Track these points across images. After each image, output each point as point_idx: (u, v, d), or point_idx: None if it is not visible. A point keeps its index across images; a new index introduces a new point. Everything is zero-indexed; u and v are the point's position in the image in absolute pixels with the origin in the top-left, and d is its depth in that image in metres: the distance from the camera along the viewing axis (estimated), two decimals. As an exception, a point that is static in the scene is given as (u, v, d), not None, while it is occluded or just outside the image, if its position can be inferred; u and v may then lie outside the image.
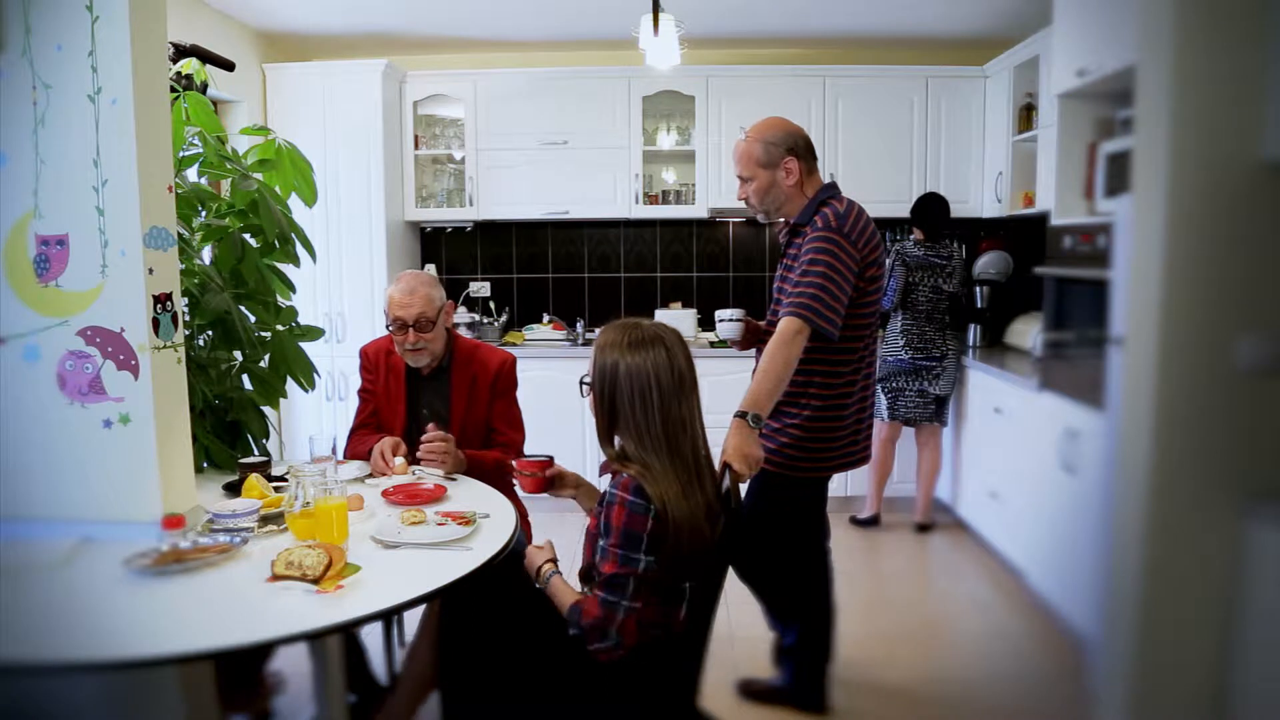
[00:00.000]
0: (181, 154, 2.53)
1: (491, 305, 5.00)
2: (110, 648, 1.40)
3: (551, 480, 2.06)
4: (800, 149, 2.41)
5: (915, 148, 4.59)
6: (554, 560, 1.88)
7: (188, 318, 2.36)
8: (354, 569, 1.69)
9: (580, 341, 4.74)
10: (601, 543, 1.69)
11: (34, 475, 1.90)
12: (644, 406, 1.66)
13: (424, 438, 2.36)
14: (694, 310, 4.82)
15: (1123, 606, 1.91)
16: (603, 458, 1.80)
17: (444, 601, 1.89)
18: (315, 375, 2.73)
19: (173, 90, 2.35)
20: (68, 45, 1.81)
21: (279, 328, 2.65)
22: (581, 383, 1.79)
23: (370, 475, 2.40)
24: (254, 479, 2.13)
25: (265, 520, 1.97)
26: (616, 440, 1.75)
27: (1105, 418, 2.50)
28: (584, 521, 1.88)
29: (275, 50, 4.67)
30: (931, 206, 4.13)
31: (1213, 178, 1.76)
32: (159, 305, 1.90)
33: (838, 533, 2.66)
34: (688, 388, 1.70)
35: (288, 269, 2.76)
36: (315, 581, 1.61)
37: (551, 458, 2.09)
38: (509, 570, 2.03)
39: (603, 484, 1.80)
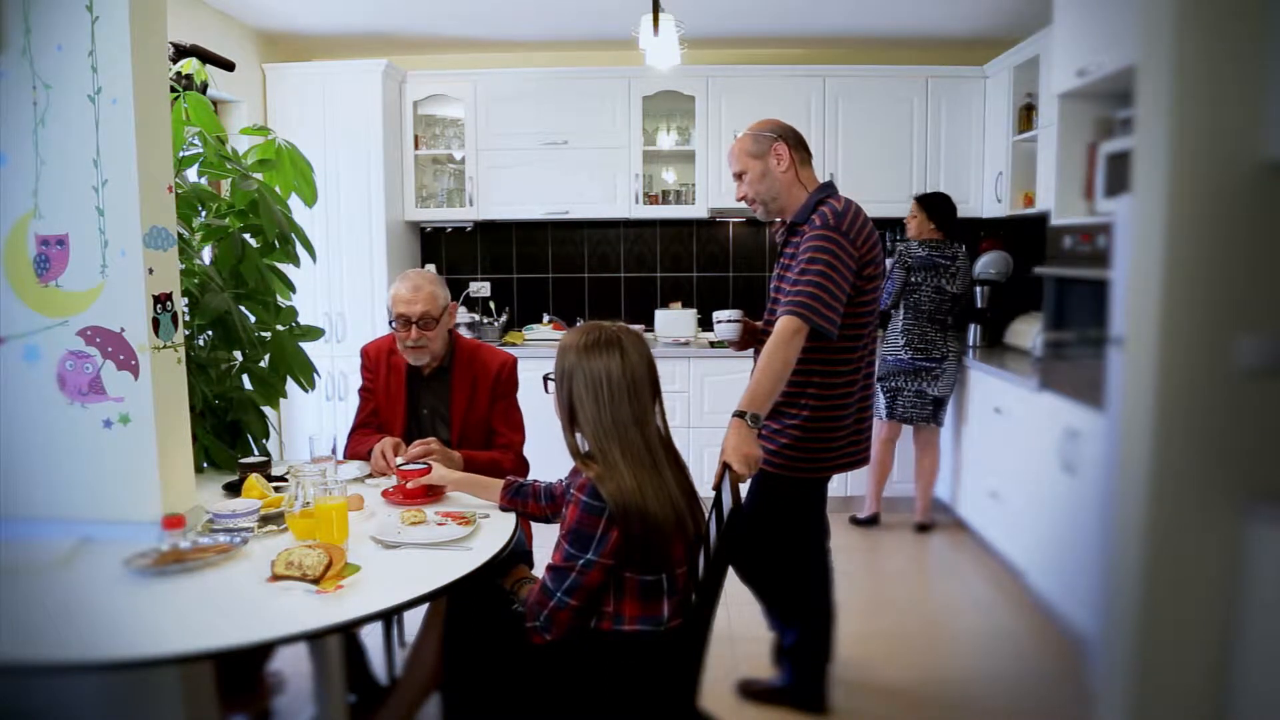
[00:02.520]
0: (181, 154, 2.52)
1: (491, 305, 5.00)
2: (110, 648, 1.40)
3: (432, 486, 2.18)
4: (790, 139, 2.42)
5: (915, 148, 4.59)
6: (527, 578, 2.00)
7: (188, 318, 2.36)
8: (354, 569, 1.69)
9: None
10: (558, 535, 1.78)
11: (34, 475, 1.90)
12: (596, 404, 1.75)
13: (410, 450, 2.35)
14: (694, 310, 4.81)
15: (1123, 606, 1.91)
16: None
17: (450, 602, 1.90)
18: (315, 375, 2.73)
19: (173, 90, 2.35)
20: (68, 45, 1.81)
21: (279, 328, 2.65)
22: (546, 379, 1.87)
23: (370, 475, 2.41)
24: (254, 479, 2.13)
25: (265, 520, 1.97)
26: (579, 436, 1.82)
27: (1105, 418, 2.50)
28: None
29: (275, 50, 4.67)
30: (943, 205, 4.11)
31: (1213, 178, 1.76)
32: (159, 305, 1.90)
33: (838, 533, 2.67)
34: (642, 387, 1.78)
35: (288, 269, 2.76)
36: (315, 581, 1.61)
37: (429, 467, 2.19)
38: (510, 571, 2.04)
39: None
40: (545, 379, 1.87)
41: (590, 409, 1.75)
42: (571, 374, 1.78)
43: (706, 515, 1.93)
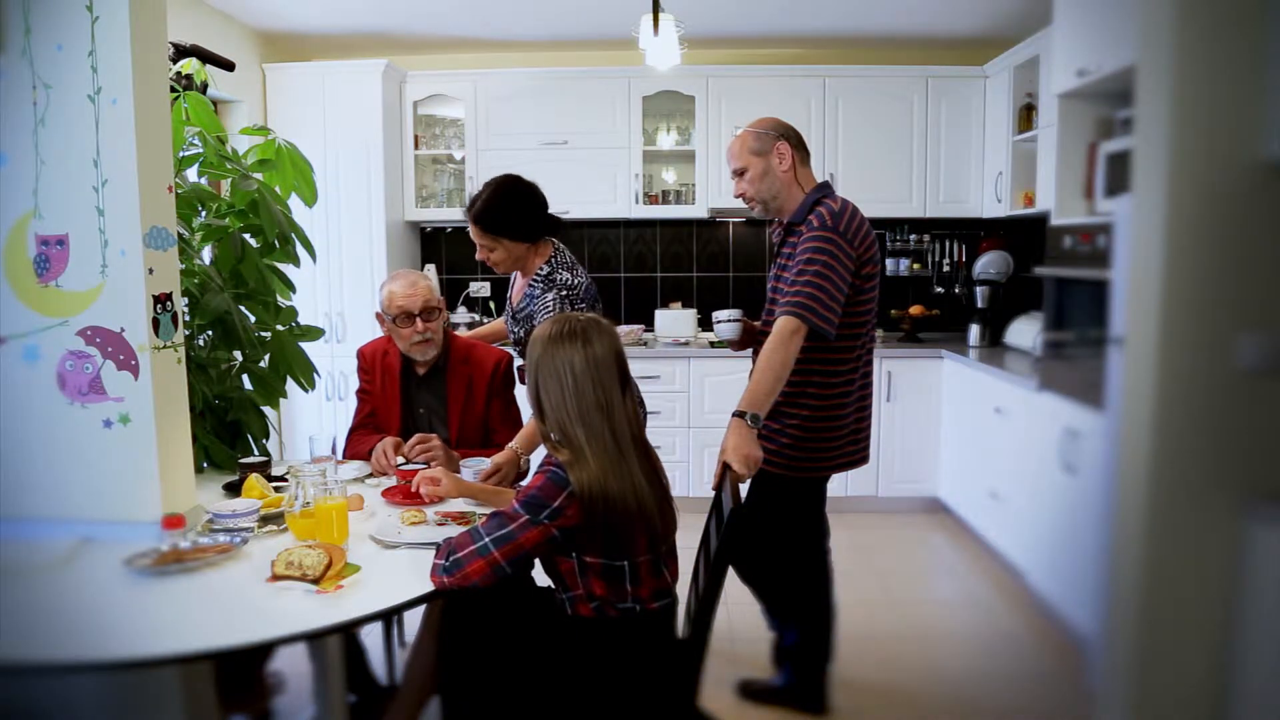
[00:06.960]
0: (181, 154, 2.52)
1: (491, 305, 5.00)
2: (110, 648, 1.40)
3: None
4: (792, 138, 2.42)
5: (915, 148, 4.59)
6: None
7: (188, 318, 2.36)
8: (354, 569, 1.69)
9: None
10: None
11: (34, 475, 1.90)
12: (561, 391, 1.77)
13: (408, 446, 2.37)
14: (694, 310, 4.81)
15: (1123, 606, 1.91)
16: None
17: (445, 602, 1.89)
18: (315, 375, 2.73)
19: (173, 90, 2.35)
20: (68, 45, 1.82)
21: (279, 328, 2.65)
22: (519, 370, 1.87)
23: (370, 475, 2.41)
24: (254, 479, 2.13)
25: (265, 520, 1.97)
26: (549, 425, 1.83)
27: (1105, 418, 2.50)
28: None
29: (275, 50, 4.67)
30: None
31: (1213, 178, 1.76)
32: (159, 305, 1.91)
33: (837, 533, 2.66)
34: (606, 375, 1.79)
35: (288, 269, 2.76)
36: (315, 581, 1.61)
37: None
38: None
39: None
40: (518, 370, 1.88)
41: (555, 396, 1.77)
42: (538, 364, 1.80)
43: (706, 518, 1.92)
